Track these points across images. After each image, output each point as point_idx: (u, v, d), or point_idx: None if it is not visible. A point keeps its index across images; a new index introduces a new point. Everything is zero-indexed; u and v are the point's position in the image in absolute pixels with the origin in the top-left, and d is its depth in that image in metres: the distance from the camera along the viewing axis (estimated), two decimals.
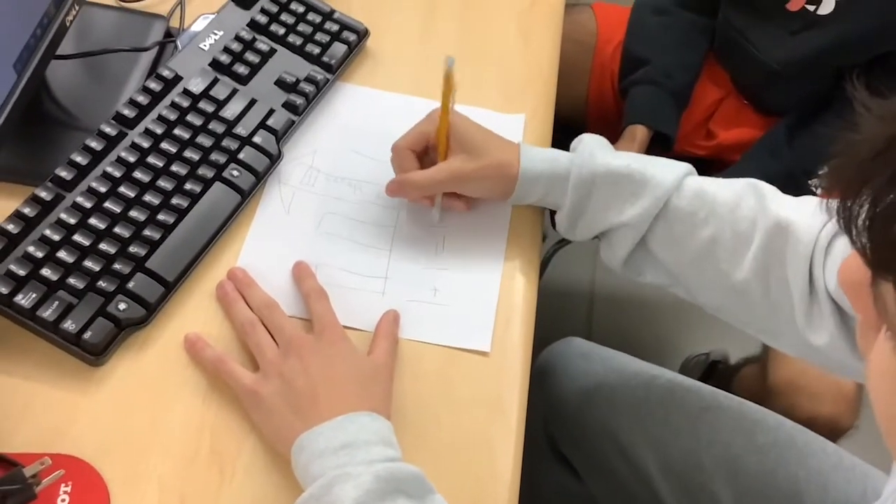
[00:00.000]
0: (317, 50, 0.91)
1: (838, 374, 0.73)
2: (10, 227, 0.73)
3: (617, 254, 0.79)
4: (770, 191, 0.74)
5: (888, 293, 0.37)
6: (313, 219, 0.83)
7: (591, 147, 0.78)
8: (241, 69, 0.87)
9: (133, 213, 0.76)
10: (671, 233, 0.76)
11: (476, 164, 0.79)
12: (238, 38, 0.89)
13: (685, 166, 0.78)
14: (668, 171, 0.76)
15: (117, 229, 0.75)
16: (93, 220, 0.74)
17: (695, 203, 0.75)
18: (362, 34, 0.94)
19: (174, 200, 0.77)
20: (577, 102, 1.32)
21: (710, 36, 1.24)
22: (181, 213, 0.77)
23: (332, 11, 0.94)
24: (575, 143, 0.80)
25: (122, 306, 0.72)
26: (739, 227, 0.73)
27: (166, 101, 0.83)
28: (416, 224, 0.84)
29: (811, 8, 1.11)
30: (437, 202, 0.83)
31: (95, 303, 0.71)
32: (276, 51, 0.90)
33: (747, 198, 0.74)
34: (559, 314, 1.70)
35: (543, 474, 1.01)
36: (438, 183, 0.80)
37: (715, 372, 1.55)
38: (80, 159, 0.77)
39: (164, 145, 0.80)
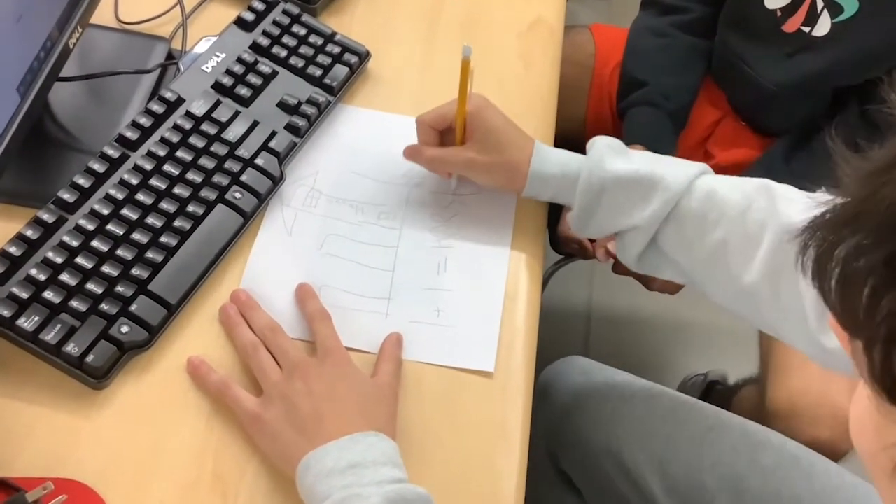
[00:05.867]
0: (318, 72, 0.91)
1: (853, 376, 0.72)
2: (13, 250, 0.72)
3: (629, 254, 0.81)
4: (782, 191, 0.74)
5: (857, 349, 0.38)
6: (315, 240, 0.83)
7: (602, 151, 0.80)
8: (244, 91, 0.87)
9: (136, 236, 0.76)
10: (682, 234, 0.77)
11: (488, 158, 0.82)
12: (240, 61, 0.89)
13: (699, 166, 0.78)
14: (679, 173, 0.77)
15: (120, 251, 0.74)
16: (95, 243, 0.74)
17: (706, 205, 0.76)
18: (363, 56, 0.95)
19: (177, 222, 0.77)
20: (575, 123, 1.32)
21: (708, 58, 1.25)
22: (184, 236, 0.77)
23: (334, 34, 0.95)
24: (589, 145, 0.82)
25: (124, 329, 0.71)
26: (749, 230, 0.73)
27: (169, 123, 0.83)
28: (417, 245, 0.84)
29: (806, 30, 1.12)
30: (454, 174, 0.87)
31: (98, 326, 0.71)
32: (277, 73, 0.90)
33: (759, 199, 0.74)
34: (557, 335, 1.69)
35: (546, 494, 1.00)
36: (449, 165, 0.84)
37: (713, 393, 1.55)
38: (82, 181, 0.77)
39: (167, 167, 0.80)
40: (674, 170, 0.77)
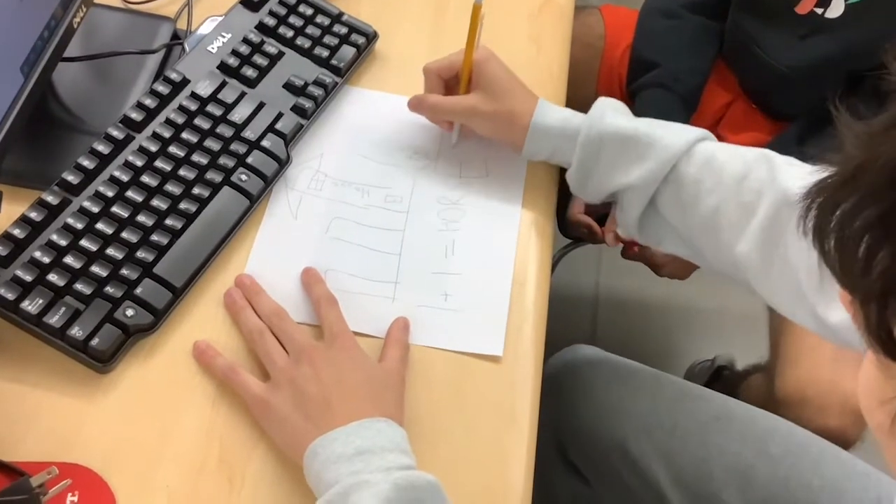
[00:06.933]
0: (325, 53, 0.90)
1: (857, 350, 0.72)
2: (17, 232, 0.72)
3: (628, 217, 0.81)
4: (783, 162, 0.73)
5: (856, 307, 0.39)
6: (321, 224, 0.82)
7: (604, 109, 0.80)
8: (250, 72, 0.86)
9: (141, 218, 0.75)
10: (678, 198, 0.77)
11: (491, 106, 0.82)
12: (246, 41, 0.88)
13: (699, 131, 0.78)
14: (678, 135, 0.77)
15: (125, 234, 0.74)
16: (100, 225, 0.74)
17: (703, 171, 0.75)
18: (371, 37, 0.93)
19: (182, 205, 0.77)
20: (584, 105, 1.29)
21: (720, 39, 1.23)
22: (189, 218, 0.76)
23: (341, 14, 0.93)
24: (593, 105, 0.82)
25: (129, 312, 0.71)
26: (744, 199, 0.73)
27: (174, 104, 0.82)
28: (424, 228, 0.83)
29: (819, 11, 1.10)
30: (456, 127, 0.87)
31: (103, 309, 0.70)
32: (284, 54, 0.89)
33: (758, 169, 0.73)
34: (564, 319, 1.69)
35: (554, 483, 1.00)
36: (451, 112, 0.85)
37: (720, 378, 1.54)
38: (87, 163, 0.76)
39: (172, 149, 0.79)
40: (674, 132, 0.78)
